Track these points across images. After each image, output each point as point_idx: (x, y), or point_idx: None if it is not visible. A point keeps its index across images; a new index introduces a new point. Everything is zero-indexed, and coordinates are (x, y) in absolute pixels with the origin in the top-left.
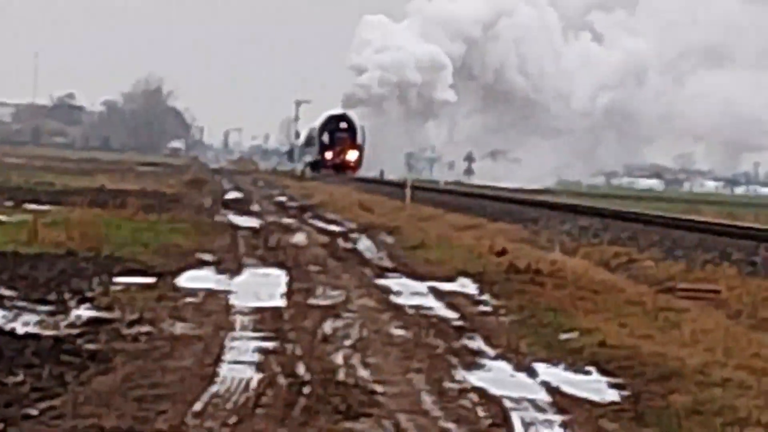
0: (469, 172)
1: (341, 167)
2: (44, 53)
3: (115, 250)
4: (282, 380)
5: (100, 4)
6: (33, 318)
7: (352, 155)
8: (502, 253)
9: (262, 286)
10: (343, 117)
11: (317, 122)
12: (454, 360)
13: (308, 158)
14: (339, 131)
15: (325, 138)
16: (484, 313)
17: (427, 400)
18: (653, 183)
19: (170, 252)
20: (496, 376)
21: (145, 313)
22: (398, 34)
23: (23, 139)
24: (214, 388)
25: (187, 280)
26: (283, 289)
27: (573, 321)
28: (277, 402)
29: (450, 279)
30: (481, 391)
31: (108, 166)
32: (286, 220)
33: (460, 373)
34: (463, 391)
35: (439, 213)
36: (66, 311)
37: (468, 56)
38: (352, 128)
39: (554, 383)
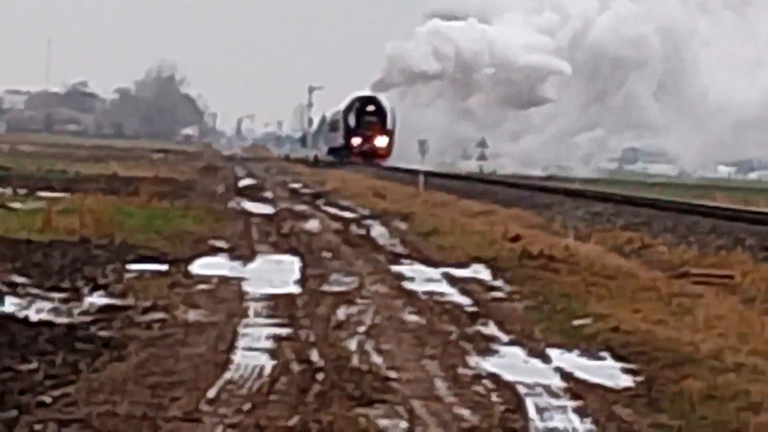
0: (482, 158)
1: (369, 155)
2: (57, 41)
3: (128, 237)
4: (296, 367)
5: None
6: (46, 305)
7: (381, 141)
8: (516, 239)
9: (275, 273)
10: (371, 99)
11: (342, 105)
12: (468, 346)
13: (332, 144)
14: (367, 114)
15: (352, 122)
16: (498, 299)
17: (441, 386)
18: (667, 168)
19: (183, 239)
20: (509, 362)
21: (159, 300)
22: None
23: (36, 127)
24: (227, 375)
25: (200, 266)
26: (297, 275)
27: (586, 307)
28: (290, 388)
29: (463, 265)
30: (494, 377)
31: (121, 153)
32: (300, 207)
33: (473, 359)
34: (476, 377)
35: (453, 199)
36: (79, 298)
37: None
38: (381, 111)
39: (568, 369)
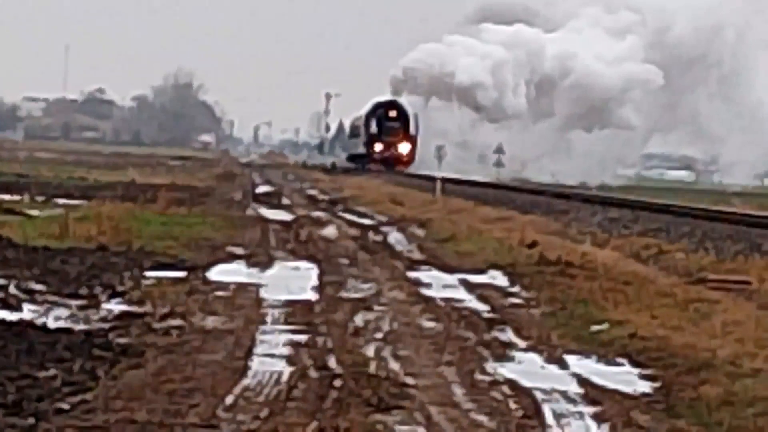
0: (498, 164)
1: (392, 161)
2: (75, 48)
3: (146, 244)
4: (313, 373)
5: None
6: (64, 312)
7: (404, 148)
8: (533, 245)
9: (292, 279)
10: (393, 104)
11: (363, 111)
12: (485, 352)
13: (352, 151)
14: (389, 120)
15: (373, 128)
16: (515, 305)
17: (459, 392)
18: (683, 174)
19: (201, 246)
20: (527, 368)
21: (177, 306)
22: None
23: (54, 134)
24: (245, 382)
25: (217, 273)
26: (314, 282)
27: (604, 313)
28: (308, 395)
29: (480, 271)
30: (512, 383)
31: (138, 160)
32: (317, 214)
33: (491, 366)
34: (494, 384)
35: (470, 206)
36: (97, 305)
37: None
38: (403, 117)
39: (585, 375)
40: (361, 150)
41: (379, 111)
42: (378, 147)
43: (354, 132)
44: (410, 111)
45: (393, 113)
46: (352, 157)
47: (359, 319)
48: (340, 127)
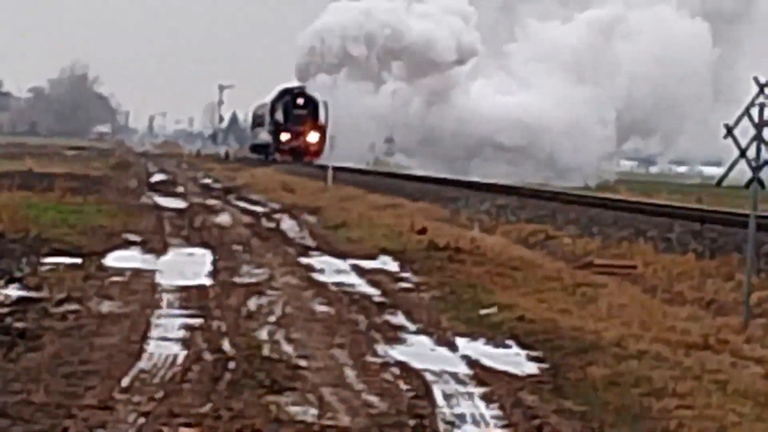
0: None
1: (300, 152)
2: None
3: (43, 231)
4: (208, 356)
5: None
6: None
7: (313, 137)
8: (423, 231)
9: (187, 265)
10: (301, 91)
11: (268, 98)
12: (377, 335)
13: (255, 141)
14: (297, 108)
15: (279, 116)
16: (406, 290)
17: (350, 374)
18: None
19: (97, 233)
20: (417, 351)
21: (73, 292)
22: None
23: None
24: (141, 364)
25: (113, 260)
26: (208, 267)
27: (492, 296)
28: (203, 377)
29: (372, 257)
30: (402, 365)
31: (35, 150)
32: (211, 201)
33: (382, 348)
34: (385, 365)
35: (361, 193)
36: None
37: None
38: (312, 105)
39: (474, 357)
40: (266, 139)
41: (286, 98)
42: (285, 136)
43: (257, 121)
44: (319, 98)
45: (301, 101)
46: (255, 147)
47: (253, 304)
48: (233, 117)
